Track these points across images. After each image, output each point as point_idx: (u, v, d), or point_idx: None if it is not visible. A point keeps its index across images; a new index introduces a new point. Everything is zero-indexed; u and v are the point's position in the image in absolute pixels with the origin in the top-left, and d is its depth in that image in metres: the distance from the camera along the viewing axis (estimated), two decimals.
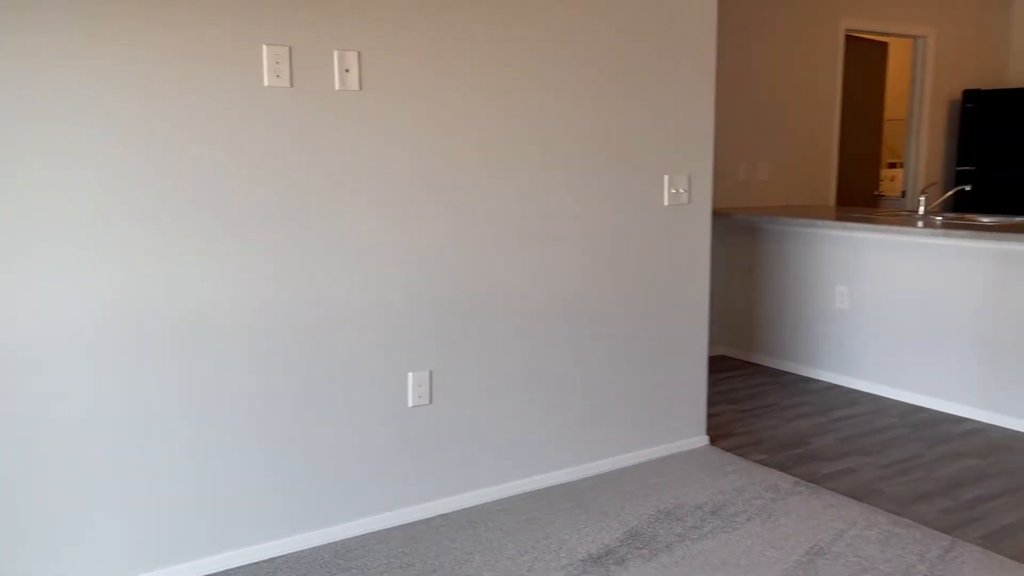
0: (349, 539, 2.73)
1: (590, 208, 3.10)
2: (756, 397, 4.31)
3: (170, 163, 2.31)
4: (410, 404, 2.81)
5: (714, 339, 5.18)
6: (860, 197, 6.11)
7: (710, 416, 4.00)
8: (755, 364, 4.96)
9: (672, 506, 2.95)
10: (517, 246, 2.95)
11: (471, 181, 2.83)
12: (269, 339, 2.51)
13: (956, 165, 6.13)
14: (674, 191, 3.29)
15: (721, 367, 4.91)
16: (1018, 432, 3.70)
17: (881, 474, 3.27)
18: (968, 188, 4.35)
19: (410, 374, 2.79)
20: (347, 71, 2.52)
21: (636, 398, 3.34)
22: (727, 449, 3.55)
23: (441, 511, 2.92)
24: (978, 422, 3.85)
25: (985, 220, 4.33)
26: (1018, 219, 4.26)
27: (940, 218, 4.34)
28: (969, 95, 6.01)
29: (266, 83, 2.40)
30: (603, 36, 3.03)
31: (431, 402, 2.85)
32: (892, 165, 7.23)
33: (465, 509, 2.95)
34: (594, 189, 3.10)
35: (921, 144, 6.07)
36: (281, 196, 2.48)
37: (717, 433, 3.76)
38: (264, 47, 2.39)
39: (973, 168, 6.02)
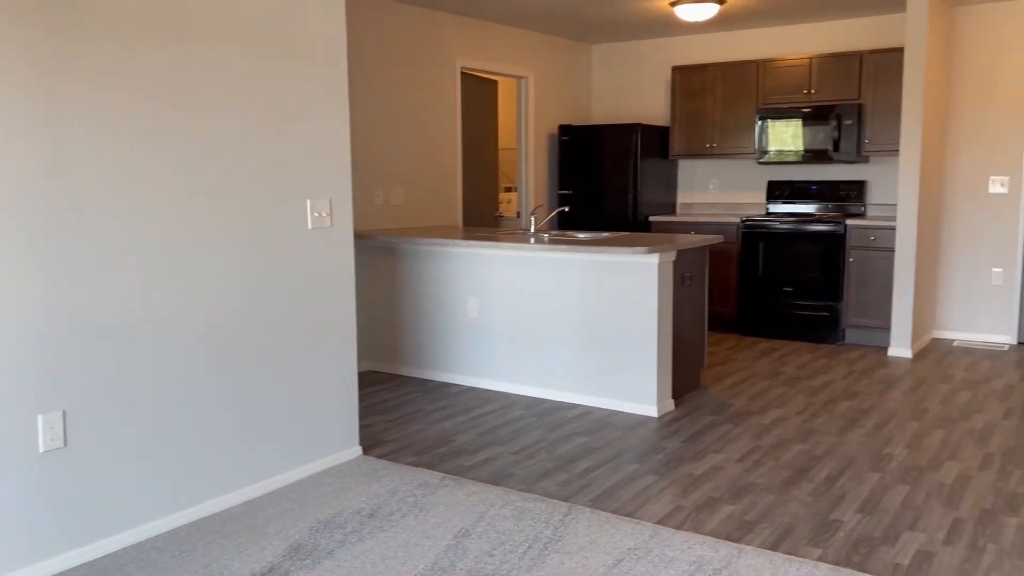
0: None
1: (236, 234, 3.12)
2: (403, 406, 4.61)
3: None
4: (41, 449, 2.59)
5: (361, 355, 5.41)
6: (483, 218, 6.79)
7: (362, 428, 4.20)
8: (401, 376, 5.28)
9: (331, 515, 3.09)
10: (158, 275, 2.88)
11: (105, 207, 2.70)
12: None
13: (559, 189, 7.11)
14: (317, 215, 3.44)
15: (370, 381, 5.14)
16: (616, 411, 4.45)
17: (513, 459, 3.73)
18: (567, 209, 5.11)
19: (40, 416, 2.58)
20: None
21: (291, 417, 3.41)
22: (380, 456, 3.77)
23: (87, 559, 2.73)
24: (586, 406, 4.55)
25: (581, 236, 5.12)
26: (605, 234, 5.10)
27: (547, 235, 5.04)
28: (564, 129, 7.02)
29: None
30: (245, 68, 3.09)
31: (66, 445, 2.66)
32: (508, 189, 8.12)
33: (114, 553, 2.79)
34: (240, 215, 3.13)
35: (530, 171, 6.94)
36: None
37: (370, 443, 3.97)
38: None
39: (571, 192, 7.04)
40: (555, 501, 3.22)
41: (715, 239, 4.80)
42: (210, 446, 3.10)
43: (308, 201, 3.41)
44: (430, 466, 3.65)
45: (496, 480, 3.48)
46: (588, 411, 4.47)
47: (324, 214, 3.48)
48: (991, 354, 5.73)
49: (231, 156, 3.09)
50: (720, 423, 4.25)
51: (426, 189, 5.90)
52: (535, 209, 5.28)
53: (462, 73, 6.31)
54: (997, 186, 5.96)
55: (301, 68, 3.33)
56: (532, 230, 5.15)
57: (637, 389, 4.40)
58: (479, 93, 6.59)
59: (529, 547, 2.82)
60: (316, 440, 3.54)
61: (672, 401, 4.51)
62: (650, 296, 4.30)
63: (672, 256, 4.39)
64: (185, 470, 3.02)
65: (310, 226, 3.42)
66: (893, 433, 4.05)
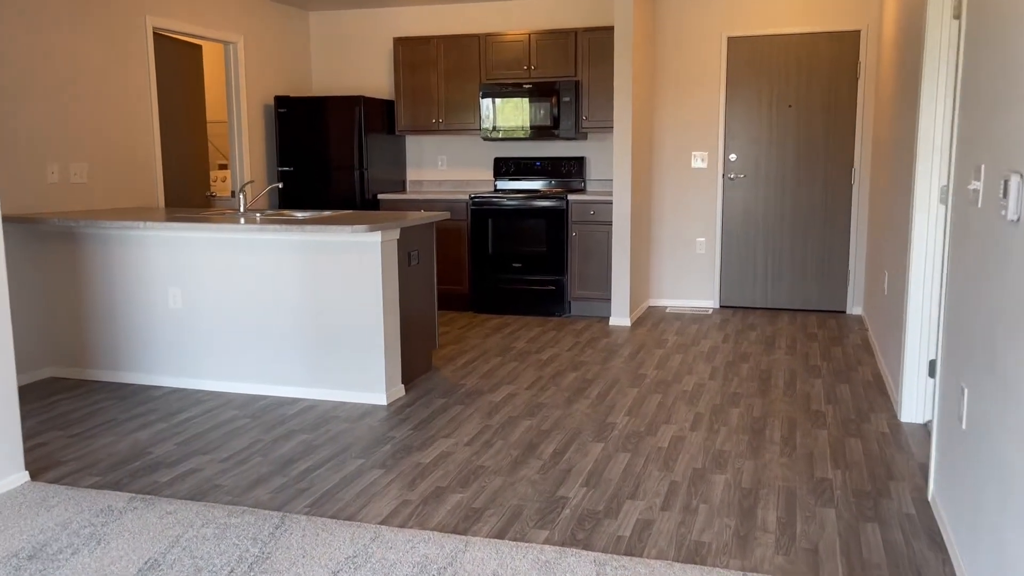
0: None
1: None
2: (91, 417, 3.96)
3: None
4: None
5: (39, 361, 4.60)
6: (193, 198, 6.11)
7: (34, 448, 3.53)
8: (91, 381, 4.56)
9: None
10: None
11: None
12: None
13: (279, 165, 6.59)
14: None
15: (50, 390, 4.38)
16: (342, 402, 4.14)
17: (221, 468, 3.30)
18: (280, 186, 4.69)
19: None
20: None
21: None
22: (53, 481, 3.16)
23: None
24: (309, 400, 4.19)
25: (299, 215, 4.72)
26: (327, 212, 4.75)
27: (259, 215, 4.58)
28: (281, 101, 6.51)
29: None
30: None
31: None
32: (223, 166, 7.43)
33: None
34: None
35: (244, 145, 6.35)
36: None
37: (42, 466, 3.33)
38: None
39: (292, 168, 6.55)
40: (266, 512, 2.86)
41: (442, 216, 4.63)
42: None
43: None
44: (117, 486, 3.12)
45: (198, 495, 3.04)
46: (312, 405, 4.11)
47: None
48: (698, 318, 6.17)
49: None
50: (451, 405, 4.10)
51: (117, 165, 5.15)
52: (244, 186, 4.78)
53: (160, 36, 5.58)
54: (698, 161, 6.40)
55: None
56: (242, 209, 4.66)
57: (364, 377, 4.12)
58: (181, 58, 5.89)
59: (231, 571, 2.44)
60: None
61: (402, 387, 4.29)
62: (374, 277, 4.03)
63: (396, 234, 4.15)
64: None
65: None
66: (615, 401, 4.14)
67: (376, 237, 4.00)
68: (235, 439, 3.64)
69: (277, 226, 4.00)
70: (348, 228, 3.88)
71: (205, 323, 4.34)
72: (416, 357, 4.55)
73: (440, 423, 3.83)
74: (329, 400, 4.18)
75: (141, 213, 4.67)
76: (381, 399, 4.12)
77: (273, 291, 4.20)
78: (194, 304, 4.34)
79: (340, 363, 4.15)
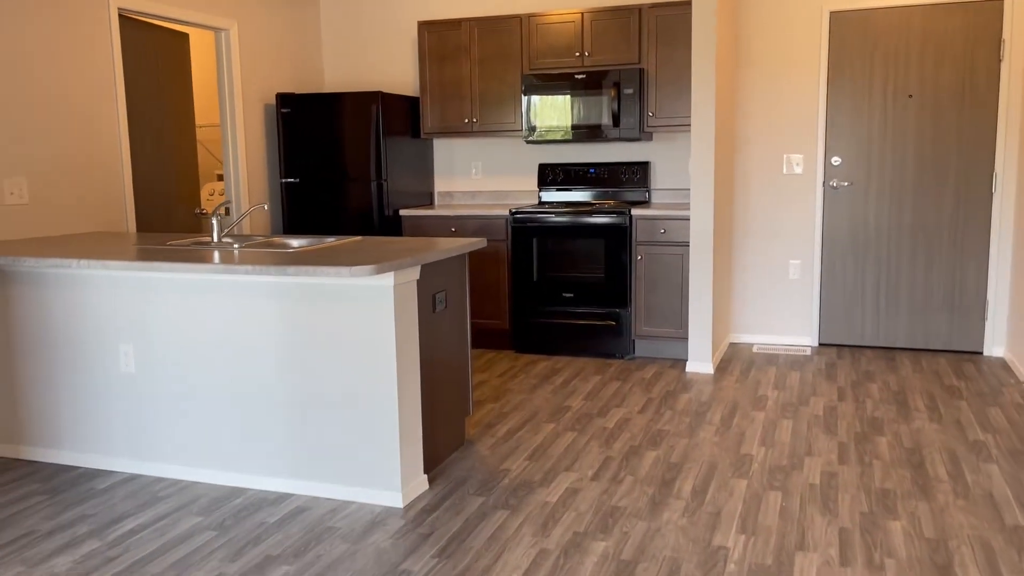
0: None
1: None
2: (4, 527, 2.91)
3: None
4: None
5: None
6: (179, 218, 5.08)
7: None
8: (24, 462, 3.53)
9: None
10: None
11: None
12: None
13: (281, 176, 5.53)
14: None
15: None
16: (341, 503, 3.05)
17: None
18: (265, 207, 3.61)
19: None
20: None
21: None
22: None
23: None
24: (299, 497, 3.11)
25: (295, 243, 3.65)
26: (330, 239, 3.67)
27: (238, 246, 3.50)
28: (284, 99, 5.44)
29: None
30: None
31: None
32: (222, 177, 6.41)
33: None
34: None
35: (240, 153, 5.30)
36: None
37: None
38: None
39: (297, 179, 5.49)
40: None
41: (477, 243, 3.52)
42: None
43: None
44: None
45: None
46: (302, 508, 3.02)
47: None
48: (795, 361, 4.97)
49: None
50: (490, 509, 2.98)
51: (70, 180, 4.12)
52: (218, 208, 3.70)
53: (132, 20, 4.55)
54: (793, 166, 5.20)
55: None
56: (216, 238, 3.59)
57: (373, 468, 3.03)
58: (161, 49, 4.86)
59: None
60: None
61: (425, 478, 3.18)
62: (385, 332, 2.93)
63: (415, 273, 3.05)
64: None
65: None
66: (720, 503, 2.99)
67: (387, 280, 2.90)
68: (188, 572, 2.56)
69: (251, 266, 2.91)
70: (346, 269, 2.78)
71: (165, 392, 3.28)
72: (444, 432, 3.45)
73: (476, 542, 2.72)
74: (325, 499, 3.09)
75: (80, 244, 3.62)
76: (396, 499, 3.01)
77: (253, 351, 3.12)
78: (151, 367, 3.28)
79: (340, 449, 3.06)
